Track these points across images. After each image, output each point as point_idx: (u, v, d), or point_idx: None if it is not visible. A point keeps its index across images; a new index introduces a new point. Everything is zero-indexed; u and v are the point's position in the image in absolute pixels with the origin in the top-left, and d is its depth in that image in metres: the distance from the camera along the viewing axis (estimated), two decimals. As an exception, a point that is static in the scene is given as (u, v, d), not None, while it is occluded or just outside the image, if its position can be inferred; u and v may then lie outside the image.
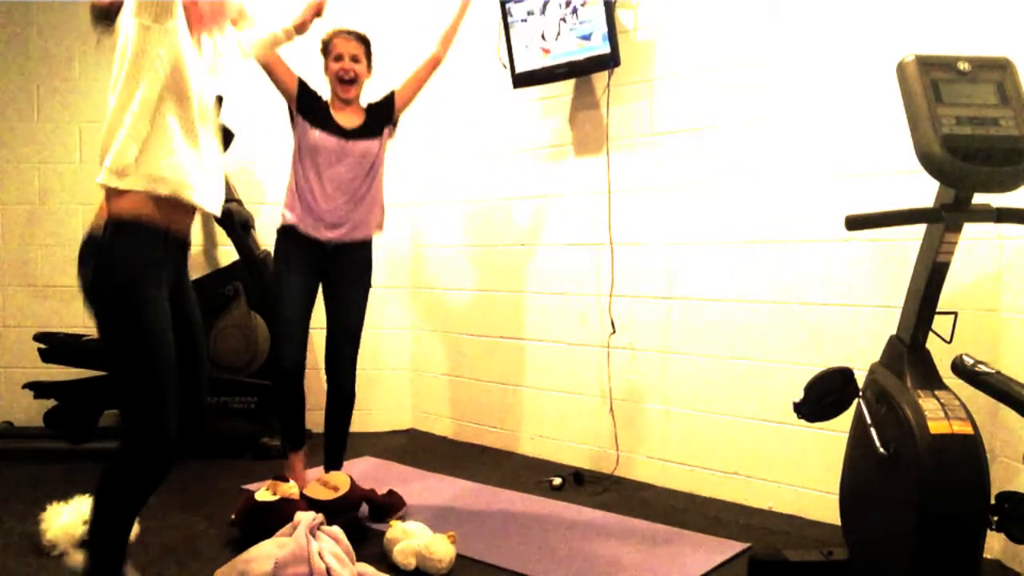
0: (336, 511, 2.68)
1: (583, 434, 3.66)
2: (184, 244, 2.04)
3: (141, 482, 1.91)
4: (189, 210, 1.98)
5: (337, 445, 3.18)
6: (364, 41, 3.09)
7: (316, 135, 2.99)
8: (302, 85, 3.03)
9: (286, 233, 3.04)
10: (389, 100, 3.17)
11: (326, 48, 3.08)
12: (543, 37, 3.54)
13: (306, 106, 3.02)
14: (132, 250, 1.85)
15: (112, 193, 1.86)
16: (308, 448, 3.21)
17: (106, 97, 1.88)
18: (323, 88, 3.11)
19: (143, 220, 1.86)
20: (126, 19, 1.83)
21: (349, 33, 3.07)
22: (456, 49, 3.34)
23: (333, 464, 3.16)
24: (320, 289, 3.13)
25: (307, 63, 3.12)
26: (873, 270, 2.79)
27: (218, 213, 2.05)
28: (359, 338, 3.14)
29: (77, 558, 1.93)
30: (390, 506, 2.91)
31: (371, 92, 3.17)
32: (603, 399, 3.57)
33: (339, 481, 2.85)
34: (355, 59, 3.05)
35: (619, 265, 3.51)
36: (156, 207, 1.88)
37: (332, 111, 3.05)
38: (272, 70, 2.98)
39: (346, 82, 3.04)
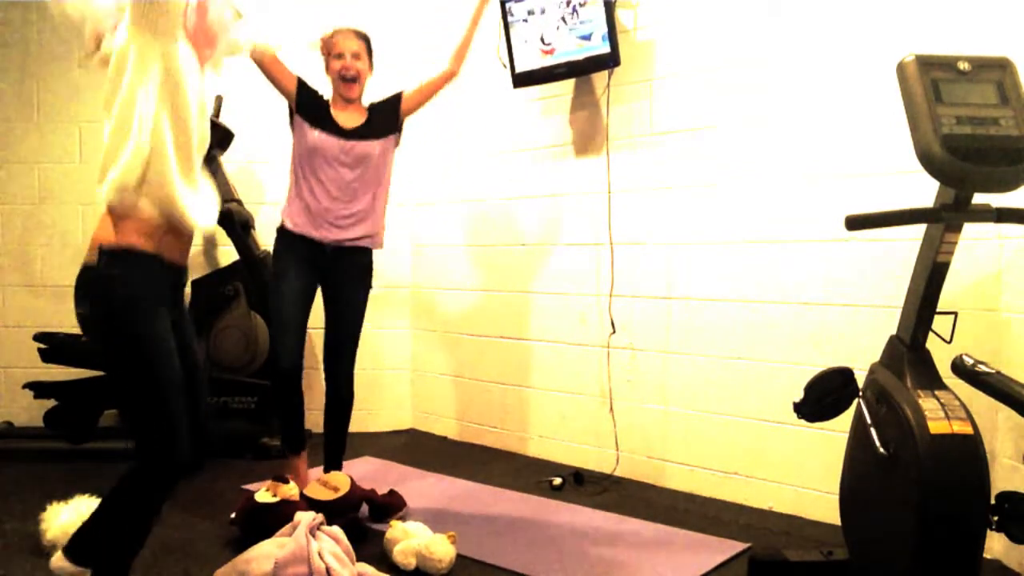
0: (336, 511, 2.68)
1: (583, 434, 3.66)
2: (181, 271, 2.02)
3: (152, 502, 1.92)
4: (187, 235, 1.98)
5: (336, 446, 3.18)
6: (364, 38, 3.07)
7: (315, 135, 2.97)
8: (301, 84, 3.01)
9: (285, 234, 3.03)
10: (395, 102, 3.12)
11: (326, 47, 3.05)
12: (543, 38, 3.54)
13: (306, 105, 3.01)
14: (129, 279, 1.84)
15: (113, 216, 1.84)
16: (308, 448, 3.20)
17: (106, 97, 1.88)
18: (323, 88, 3.10)
19: (139, 248, 1.85)
20: (123, 31, 1.81)
21: (349, 31, 3.04)
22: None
23: (333, 464, 3.15)
24: (320, 291, 3.12)
25: (307, 64, 3.10)
26: (873, 270, 2.79)
27: (211, 227, 2.04)
28: (357, 340, 3.14)
29: (60, 563, 1.92)
30: (390, 506, 2.91)
31: (374, 91, 3.14)
32: (603, 399, 3.57)
33: (339, 481, 2.85)
34: (356, 57, 3.02)
35: (619, 265, 3.51)
36: (155, 231, 1.87)
37: (333, 110, 3.03)
38: (269, 70, 2.96)
39: (348, 80, 3.01)
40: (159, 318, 1.88)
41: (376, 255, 3.17)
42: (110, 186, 1.82)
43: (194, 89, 1.89)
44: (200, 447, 2.01)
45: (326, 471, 3.10)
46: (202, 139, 1.96)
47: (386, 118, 3.10)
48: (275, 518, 2.52)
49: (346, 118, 3.03)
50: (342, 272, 3.07)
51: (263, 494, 2.71)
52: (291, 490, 2.73)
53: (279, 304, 3.03)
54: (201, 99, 1.94)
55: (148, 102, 1.81)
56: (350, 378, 3.14)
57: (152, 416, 1.87)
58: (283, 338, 3.03)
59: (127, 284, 1.83)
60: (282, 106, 3.07)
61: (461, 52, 3.19)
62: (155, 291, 1.89)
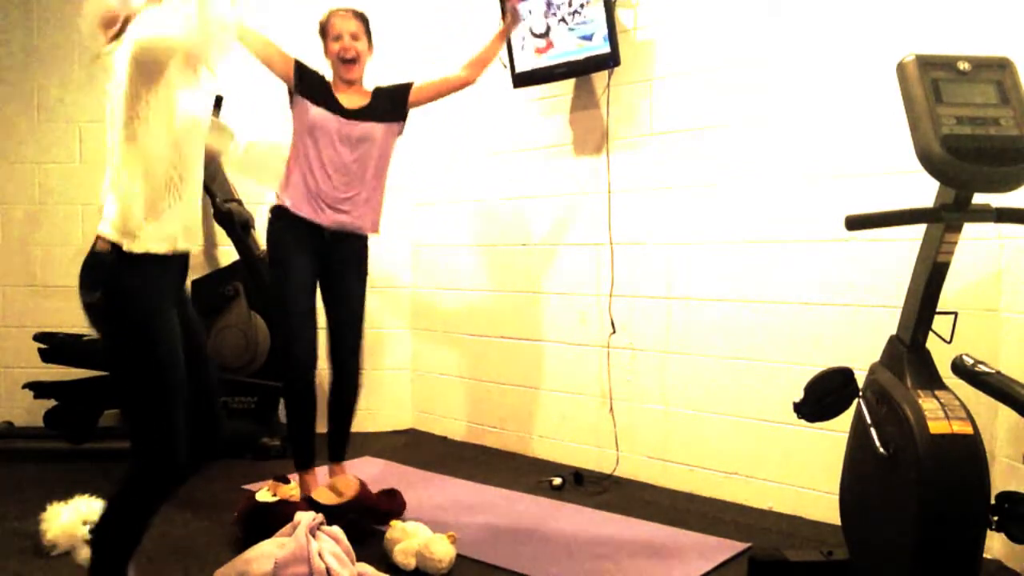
0: (340, 517, 2.65)
1: (583, 434, 3.66)
2: (184, 255, 2.02)
3: (150, 502, 1.91)
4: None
5: (341, 436, 3.08)
6: (363, 18, 3.00)
7: (316, 113, 2.89)
8: (299, 67, 2.93)
9: (283, 216, 2.91)
10: (404, 91, 3.05)
11: (324, 30, 2.98)
12: (543, 37, 3.54)
13: (305, 86, 2.93)
14: (142, 276, 1.84)
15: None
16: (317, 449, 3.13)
17: (105, 97, 1.87)
18: (322, 71, 3.04)
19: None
20: (122, 61, 1.81)
21: (347, 11, 2.98)
22: (456, 49, 3.33)
23: (337, 455, 3.07)
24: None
25: (306, 48, 3.05)
26: (873, 270, 2.78)
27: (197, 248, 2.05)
28: (362, 325, 3.05)
29: (84, 554, 1.93)
30: (391, 513, 2.85)
31: (375, 77, 3.10)
32: (603, 399, 3.57)
33: (345, 486, 2.81)
34: (355, 37, 2.95)
35: (619, 265, 3.50)
36: None
37: (335, 92, 2.96)
38: (264, 56, 2.88)
39: (348, 61, 2.94)
40: (171, 320, 1.88)
41: (376, 255, 3.15)
42: (117, 225, 1.81)
43: (194, 115, 1.90)
44: (215, 440, 2.00)
45: (331, 461, 3.04)
46: (197, 155, 1.96)
47: (392, 104, 3.03)
48: (275, 519, 2.51)
49: (348, 99, 2.96)
50: (341, 259, 2.99)
51: (264, 494, 2.71)
52: (291, 490, 2.73)
53: (287, 293, 2.90)
54: (199, 124, 1.94)
55: (149, 133, 1.81)
56: (357, 367, 3.02)
57: (153, 417, 1.86)
58: (296, 331, 2.88)
59: (141, 282, 1.84)
60: (283, 105, 3.05)
61: (482, 63, 3.13)
62: (167, 286, 1.89)
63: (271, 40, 2.92)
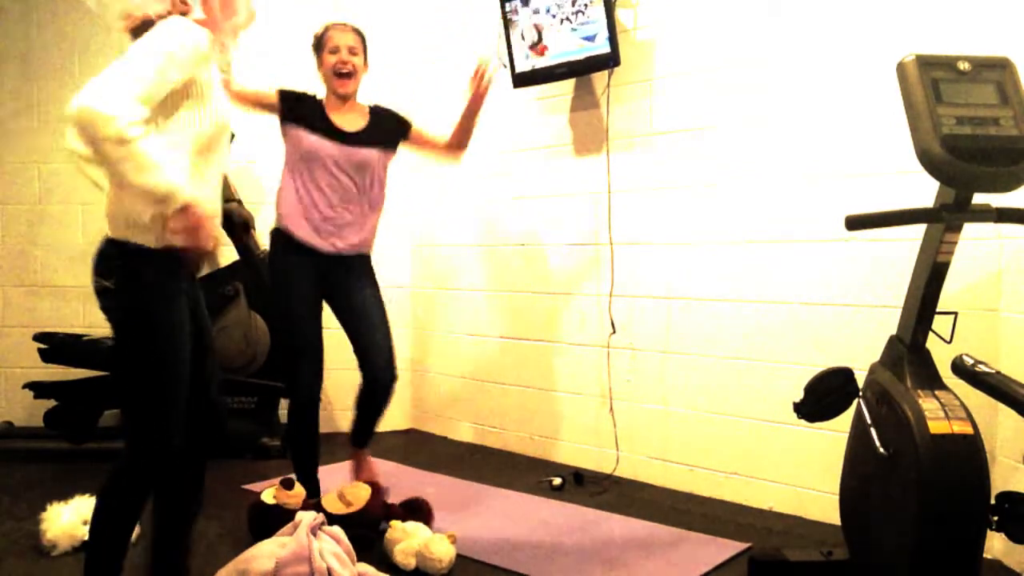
0: (347, 527, 2.59)
1: (583, 434, 3.66)
2: None
3: (141, 490, 1.91)
4: None
5: (366, 426, 2.99)
6: (360, 34, 2.95)
7: (312, 139, 2.82)
8: (284, 96, 2.87)
9: (283, 239, 2.86)
10: (403, 128, 3.02)
11: (320, 43, 2.92)
12: (543, 37, 3.54)
13: (296, 113, 2.86)
14: (155, 268, 1.84)
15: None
16: (323, 447, 3.06)
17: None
18: (311, 88, 2.99)
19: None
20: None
21: (344, 25, 2.93)
22: (455, 49, 3.33)
23: (360, 441, 3.00)
24: (327, 299, 2.98)
25: (301, 62, 3.05)
26: (873, 270, 2.79)
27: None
28: (390, 334, 2.97)
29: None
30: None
31: (373, 88, 3.09)
32: (603, 399, 3.57)
33: (355, 495, 2.75)
34: (352, 52, 2.88)
35: (619, 265, 3.51)
36: None
37: (330, 113, 2.89)
38: (246, 103, 2.85)
39: (343, 75, 2.87)
40: (180, 312, 1.88)
41: (376, 255, 3.14)
42: (115, 224, 1.82)
43: (217, 105, 1.93)
44: (218, 430, 2.00)
45: (352, 445, 2.99)
46: (222, 148, 1.96)
47: (391, 132, 2.99)
48: (279, 520, 2.50)
49: (344, 120, 2.89)
50: (347, 273, 2.93)
51: (270, 495, 2.70)
52: (297, 493, 2.72)
53: (294, 325, 2.85)
54: (221, 113, 1.96)
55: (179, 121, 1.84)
56: (392, 372, 2.91)
57: (150, 405, 1.86)
58: (306, 364, 2.84)
59: (153, 274, 1.84)
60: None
61: (463, 141, 3.07)
62: (179, 279, 1.89)
63: (245, 89, 2.84)
